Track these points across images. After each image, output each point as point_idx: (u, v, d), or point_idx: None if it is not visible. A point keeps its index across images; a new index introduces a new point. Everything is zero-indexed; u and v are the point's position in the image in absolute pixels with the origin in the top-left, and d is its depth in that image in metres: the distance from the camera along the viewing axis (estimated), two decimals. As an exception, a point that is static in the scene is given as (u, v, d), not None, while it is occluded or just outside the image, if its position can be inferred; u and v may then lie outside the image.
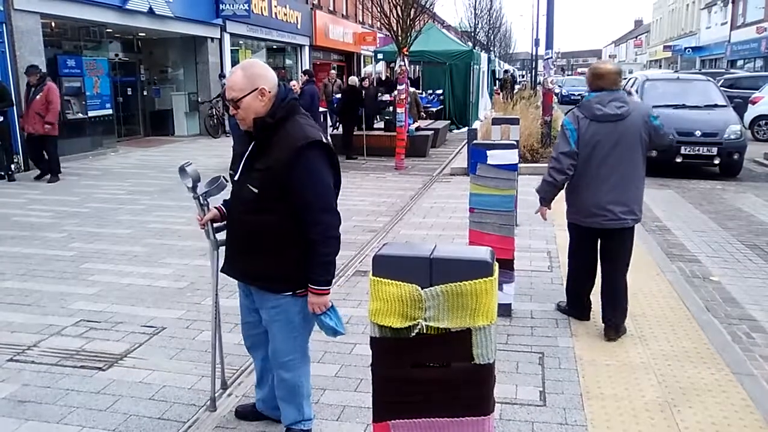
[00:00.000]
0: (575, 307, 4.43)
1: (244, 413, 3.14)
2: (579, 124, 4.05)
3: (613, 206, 4.00)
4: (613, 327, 4.09)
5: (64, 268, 5.63)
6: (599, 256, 4.26)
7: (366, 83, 14.37)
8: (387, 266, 1.84)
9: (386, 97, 15.37)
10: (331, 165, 2.62)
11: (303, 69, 13.87)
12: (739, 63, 33.55)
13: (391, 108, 13.91)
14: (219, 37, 17.85)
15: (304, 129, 2.56)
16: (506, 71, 34.41)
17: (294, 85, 12.13)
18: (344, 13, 30.29)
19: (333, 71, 19.75)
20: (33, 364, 3.75)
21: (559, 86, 23.73)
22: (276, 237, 2.60)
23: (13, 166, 10.42)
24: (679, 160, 10.73)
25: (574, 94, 30.05)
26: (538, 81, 31.59)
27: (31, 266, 5.67)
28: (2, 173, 10.20)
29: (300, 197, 2.53)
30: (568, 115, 4.20)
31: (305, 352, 2.84)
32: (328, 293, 2.62)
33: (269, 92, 2.57)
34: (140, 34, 16.56)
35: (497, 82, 30.38)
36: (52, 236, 6.74)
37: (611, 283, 4.17)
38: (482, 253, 1.84)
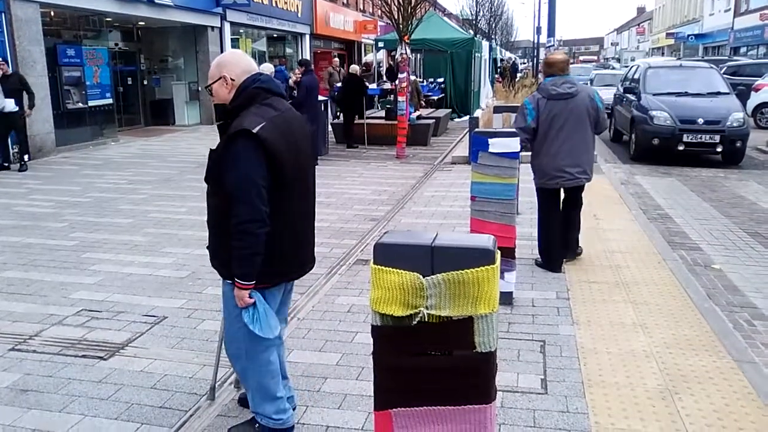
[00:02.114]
0: (548, 259, 5.12)
1: (247, 401, 3.14)
2: (538, 103, 4.91)
3: (569, 168, 4.92)
4: (573, 251, 5.25)
5: (66, 257, 5.64)
6: (562, 204, 5.20)
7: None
8: (388, 254, 1.82)
9: (387, 85, 15.28)
10: (264, 155, 2.44)
11: (299, 60, 13.70)
12: (743, 50, 33.38)
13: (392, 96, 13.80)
14: (219, 26, 17.75)
15: (243, 119, 2.49)
16: (502, 60, 34.24)
17: (296, 74, 12.03)
18: (345, 1, 30.08)
19: (336, 59, 19.56)
20: (35, 353, 3.76)
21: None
22: (220, 221, 2.57)
23: (26, 156, 10.37)
24: (681, 148, 10.69)
25: None
26: (540, 69, 31.46)
27: (33, 256, 5.68)
28: (8, 164, 10.19)
29: (224, 186, 2.49)
30: (528, 97, 5.08)
31: (252, 347, 2.67)
32: (245, 288, 2.50)
33: (233, 80, 2.58)
34: (140, 23, 16.48)
35: (498, 70, 30.22)
36: (53, 226, 6.74)
37: (572, 218, 5.26)
38: (484, 241, 1.83)
